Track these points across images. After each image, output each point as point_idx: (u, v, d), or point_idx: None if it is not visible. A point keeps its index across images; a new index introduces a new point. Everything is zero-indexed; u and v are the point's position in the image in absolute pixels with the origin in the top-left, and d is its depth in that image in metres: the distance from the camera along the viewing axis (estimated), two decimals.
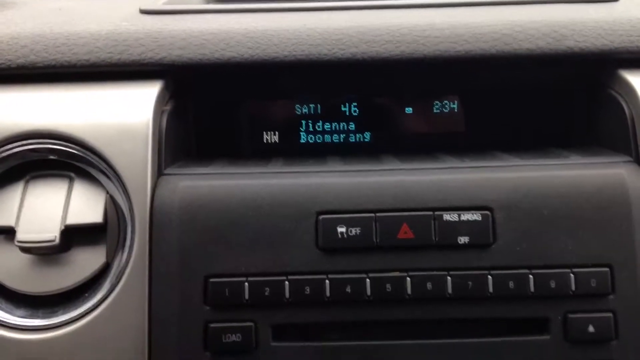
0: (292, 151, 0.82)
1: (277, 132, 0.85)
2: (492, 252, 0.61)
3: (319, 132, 0.85)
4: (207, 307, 0.61)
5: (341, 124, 0.85)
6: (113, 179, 0.66)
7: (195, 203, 0.63)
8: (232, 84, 0.78)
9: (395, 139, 0.85)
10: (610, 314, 0.60)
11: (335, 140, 0.85)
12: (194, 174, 0.66)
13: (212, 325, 0.61)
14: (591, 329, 0.60)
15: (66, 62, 0.70)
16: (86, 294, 0.65)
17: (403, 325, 0.61)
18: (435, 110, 0.84)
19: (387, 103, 0.84)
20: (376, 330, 0.61)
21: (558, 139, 0.81)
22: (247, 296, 0.61)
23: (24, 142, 0.66)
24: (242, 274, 0.61)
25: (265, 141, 0.85)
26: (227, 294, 0.61)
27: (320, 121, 0.84)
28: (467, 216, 0.62)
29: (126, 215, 0.65)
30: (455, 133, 0.85)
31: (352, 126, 0.85)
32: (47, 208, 0.65)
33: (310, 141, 0.85)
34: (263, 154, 0.82)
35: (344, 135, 0.85)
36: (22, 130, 0.66)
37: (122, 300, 0.63)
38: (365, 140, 0.85)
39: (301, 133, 0.84)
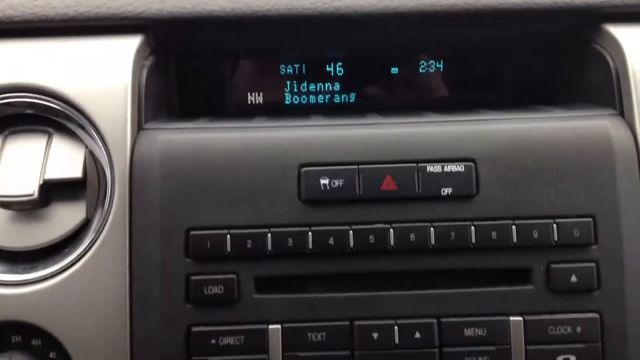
0: (276, 112, 0.82)
1: (261, 93, 0.84)
2: (475, 203, 0.61)
3: (304, 93, 0.84)
4: (189, 260, 0.60)
5: (326, 85, 0.84)
6: (92, 133, 0.65)
7: (176, 156, 0.62)
8: (215, 41, 0.76)
9: (380, 99, 0.84)
10: (593, 264, 0.60)
11: (320, 101, 0.84)
12: (175, 128, 0.65)
13: (194, 277, 0.60)
14: (574, 278, 0.60)
15: (44, 17, 0.69)
16: (66, 249, 0.64)
17: (386, 276, 0.61)
18: (421, 70, 0.84)
19: (373, 63, 0.84)
20: (359, 282, 0.61)
21: (544, 98, 0.81)
22: (229, 248, 0.60)
23: (1, 96, 0.65)
24: (224, 226, 0.61)
25: (249, 102, 0.85)
26: (208, 246, 0.60)
27: (305, 81, 0.84)
28: (450, 167, 0.61)
29: (106, 170, 0.64)
30: (441, 92, 0.84)
31: (337, 87, 0.84)
32: (26, 163, 0.64)
33: (295, 102, 0.84)
34: (247, 115, 0.81)
35: (329, 95, 0.84)
36: None
37: (102, 254, 0.62)
38: (351, 101, 0.84)
39: (286, 94, 0.84)
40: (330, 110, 0.83)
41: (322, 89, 0.84)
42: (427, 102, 0.84)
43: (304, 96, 0.84)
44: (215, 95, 0.83)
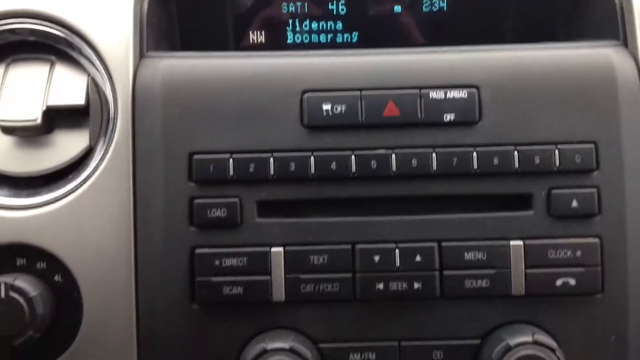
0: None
1: (263, 32, 0.84)
2: (478, 130, 0.61)
3: (306, 32, 0.83)
4: (192, 184, 0.61)
5: (329, 23, 0.83)
6: (94, 61, 0.65)
7: (178, 81, 0.62)
8: None
9: (383, 38, 0.84)
10: (594, 190, 0.60)
11: (322, 40, 0.83)
12: (177, 56, 0.65)
13: (197, 201, 0.60)
14: (575, 204, 0.60)
15: None
16: (70, 176, 0.64)
17: (388, 201, 0.61)
18: (424, 9, 0.83)
19: (376, 1, 0.83)
20: (361, 207, 0.61)
21: (547, 36, 0.81)
22: (231, 172, 0.60)
23: (4, 21, 0.65)
24: (226, 150, 0.61)
25: (251, 41, 0.84)
26: (211, 170, 0.61)
27: (307, 20, 0.83)
28: (453, 94, 0.61)
29: (108, 98, 0.65)
30: (443, 32, 0.84)
31: (339, 25, 0.83)
32: (29, 90, 0.65)
33: (297, 41, 0.83)
34: None
35: (332, 35, 0.83)
36: (1, 10, 0.65)
37: (106, 179, 0.62)
38: (353, 40, 0.84)
39: (288, 32, 0.83)
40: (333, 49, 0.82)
41: (325, 28, 0.83)
42: (430, 41, 0.83)
43: (306, 35, 0.83)
44: (217, 33, 0.82)
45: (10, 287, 0.58)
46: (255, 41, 0.84)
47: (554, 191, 0.61)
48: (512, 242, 0.60)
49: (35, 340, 0.59)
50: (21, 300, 0.58)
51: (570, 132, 0.61)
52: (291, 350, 0.57)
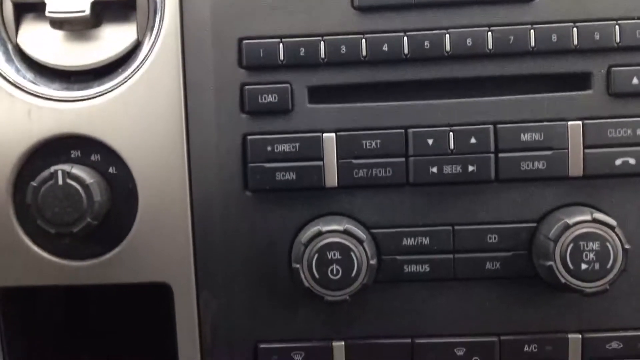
0: None
1: None
2: (535, 7, 0.59)
3: None
4: (242, 70, 0.60)
5: None
6: None
7: None
8: None
9: None
10: None
11: None
12: None
13: (248, 87, 0.60)
14: (635, 81, 0.58)
15: None
16: (119, 69, 0.64)
17: (441, 84, 0.60)
18: None
19: None
20: (414, 90, 0.60)
21: None
22: (281, 57, 0.60)
23: None
24: (276, 35, 0.60)
25: None
26: (261, 55, 0.60)
27: None
28: None
29: None
30: None
31: None
32: None
33: None
34: None
35: None
36: None
37: (155, 70, 0.62)
38: None
39: None
40: None
41: None
42: None
43: None
44: None
45: (67, 175, 0.59)
46: None
47: (614, 69, 0.59)
48: (570, 123, 0.59)
49: (94, 228, 0.61)
50: (78, 187, 0.59)
51: (631, 7, 0.59)
52: (345, 232, 0.57)
